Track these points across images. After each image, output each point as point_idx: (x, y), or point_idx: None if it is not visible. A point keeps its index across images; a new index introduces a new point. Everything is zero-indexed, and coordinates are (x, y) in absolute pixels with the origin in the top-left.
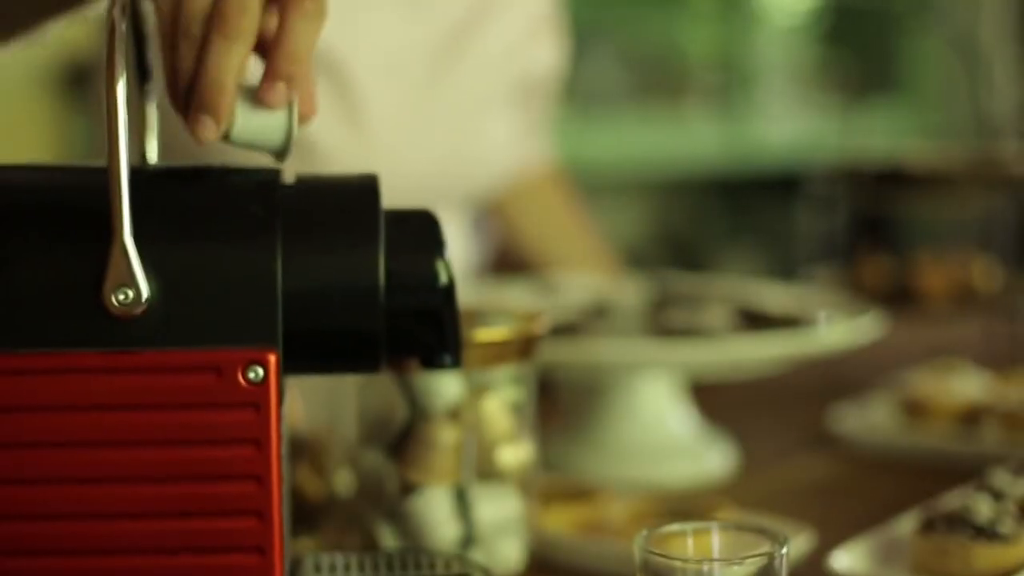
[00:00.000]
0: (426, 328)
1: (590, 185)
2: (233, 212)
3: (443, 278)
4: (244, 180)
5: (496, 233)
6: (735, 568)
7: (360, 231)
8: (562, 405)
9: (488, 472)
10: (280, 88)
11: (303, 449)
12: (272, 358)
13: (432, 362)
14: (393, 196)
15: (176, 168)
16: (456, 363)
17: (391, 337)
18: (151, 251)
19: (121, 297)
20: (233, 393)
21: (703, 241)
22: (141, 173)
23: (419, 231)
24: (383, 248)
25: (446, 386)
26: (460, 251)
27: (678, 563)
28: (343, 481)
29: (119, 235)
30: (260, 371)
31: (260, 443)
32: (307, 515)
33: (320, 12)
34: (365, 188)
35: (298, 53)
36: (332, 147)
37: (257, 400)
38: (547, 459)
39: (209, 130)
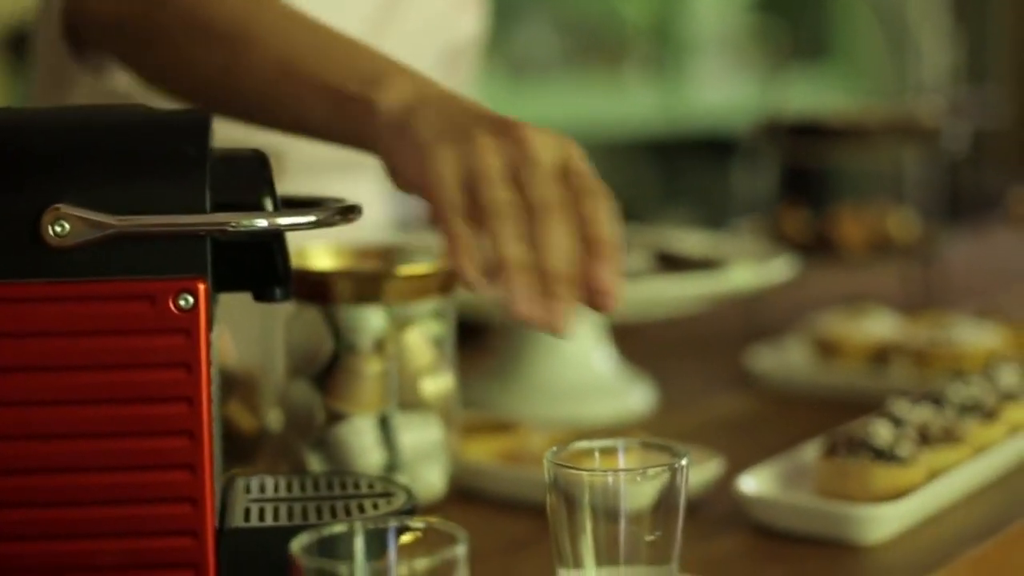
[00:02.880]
0: (256, 262)
1: None
2: (165, 150)
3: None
4: (174, 120)
5: None
6: (638, 479)
7: (186, 167)
8: (489, 350)
9: (411, 402)
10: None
11: (235, 385)
12: (201, 287)
13: (264, 295)
14: (323, 159)
15: (111, 107)
16: (286, 296)
17: (224, 271)
18: (87, 185)
19: (58, 229)
20: (165, 320)
21: (640, 203)
22: (79, 112)
23: (247, 169)
24: (208, 184)
25: (370, 319)
26: (381, 209)
27: (585, 475)
28: (275, 417)
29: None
30: (190, 299)
31: (191, 367)
32: (240, 450)
33: None
34: (194, 124)
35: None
36: None
37: (187, 326)
38: (474, 399)
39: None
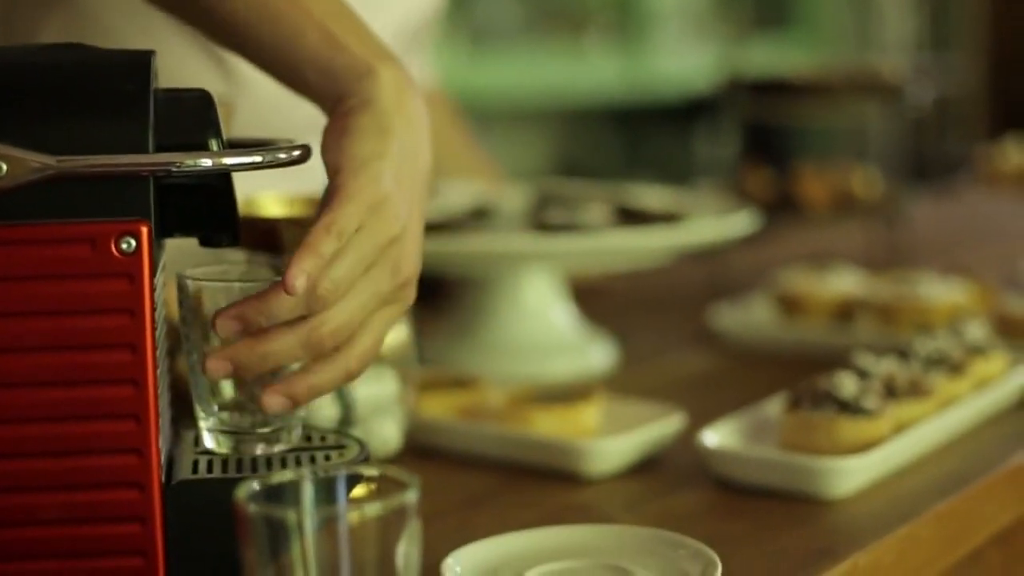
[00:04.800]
0: (202, 206)
1: (490, 116)
2: (105, 88)
3: None
4: (115, 58)
5: None
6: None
7: (127, 106)
8: (447, 307)
9: None
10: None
11: None
12: (144, 230)
13: (211, 241)
14: (304, 120)
15: (51, 46)
16: (234, 242)
17: (170, 216)
18: (25, 125)
19: None
20: (107, 264)
21: (602, 171)
22: (17, 51)
23: (192, 110)
24: (152, 124)
25: None
26: None
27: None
28: None
29: None
30: (132, 242)
31: (134, 312)
32: (192, 404)
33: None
34: (135, 62)
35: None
36: (253, 72)
37: (130, 270)
38: (434, 355)
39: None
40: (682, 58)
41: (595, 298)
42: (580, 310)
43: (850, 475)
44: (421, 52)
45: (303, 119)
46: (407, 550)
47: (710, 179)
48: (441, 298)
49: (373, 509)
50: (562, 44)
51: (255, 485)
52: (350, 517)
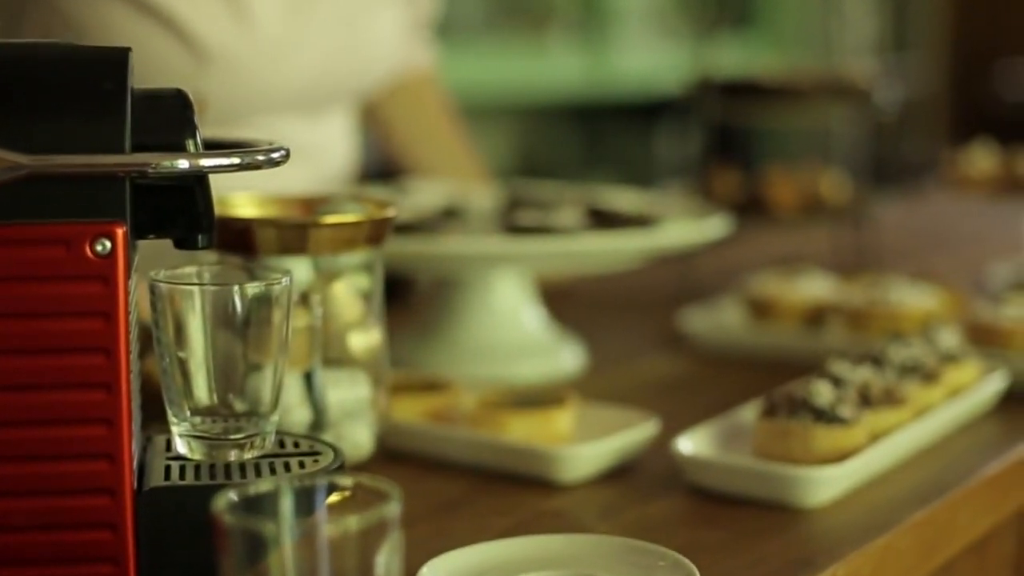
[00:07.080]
0: (178, 207)
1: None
2: (82, 86)
3: None
4: (92, 55)
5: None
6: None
7: (105, 105)
8: (416, 307)
9: (338, 358)
10: None
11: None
12: (120, 231)
13: (186, 242)
14: (281, 95)
15: (26, 42)
16: (209, 244)
17: (144, 216)
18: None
19: None
20: (81, 266)
21: (563, 168)
22: None
23: (169, 109)
24: (129, 123)
25: (295, 271)
26: (347, 151)
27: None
28: None
29: None
30: (108, 244)
31: (109, 316)
32: (161, 407)
33: None
34: (112, 59)
35: None
36: (222, 49)
37: (105, 273)
38: (402, 357)
39: None
40: (644, 57)
41: (564, 300)
42: (549, 312)
43: (827, 484)
44: (422, 23)
45: (280, 99)
46: (387, 561)
47: (674, 179)
48: (410, 298)
49: (353, 520)
50: (524, 40)
51: (233, 495)
52: (330, 528)
